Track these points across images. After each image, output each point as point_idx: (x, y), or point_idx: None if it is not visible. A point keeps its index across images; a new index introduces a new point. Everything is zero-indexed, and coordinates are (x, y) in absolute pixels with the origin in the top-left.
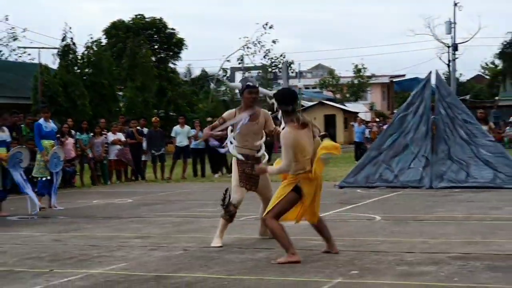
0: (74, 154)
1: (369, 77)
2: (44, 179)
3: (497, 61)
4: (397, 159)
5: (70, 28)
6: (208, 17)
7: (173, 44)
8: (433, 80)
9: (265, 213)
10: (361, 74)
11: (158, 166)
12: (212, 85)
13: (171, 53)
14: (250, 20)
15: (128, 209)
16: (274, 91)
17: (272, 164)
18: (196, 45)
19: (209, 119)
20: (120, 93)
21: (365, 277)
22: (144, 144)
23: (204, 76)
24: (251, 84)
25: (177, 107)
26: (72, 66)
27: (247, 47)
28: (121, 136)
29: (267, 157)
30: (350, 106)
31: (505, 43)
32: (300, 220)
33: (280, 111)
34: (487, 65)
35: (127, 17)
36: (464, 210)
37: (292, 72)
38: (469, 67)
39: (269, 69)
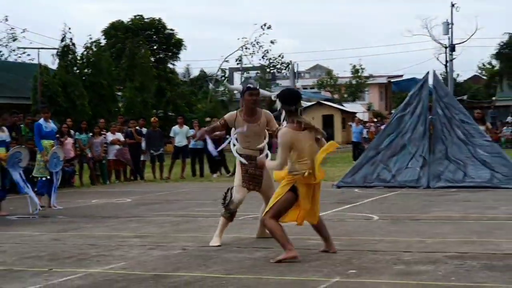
0: (73, 154)
1: (367, 77)
2: (44, 178)
3: (494, 62)
4: (394, 159)
5: (70, 28)
6: (206, 17)
7: (172, 45)
8: (430, 81)
9: (263, 213)
10: (359, 74)
11: (157, 166)
12: (210, 86)
13: (170, 53)
14: (249, 21)
15: (127, 209)
16: (275, 92)
17: None
18: (194, 45)
19: (207, 119)
20: (119, 93)
21: (362, 276)
22: (143, 144)
23: (203, 77)
24: (251, 86)
25: (176, 107)
26: (71, 67)
27: (246, 48)
28: (120, 136)
29: (270, 157)
30: (348, 106)
31: (501, 43)
32: (302, 223)
33: (283, 111)
34: (484, 65)
35: (126, 17)
36: (461, 210)
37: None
38: (466, 67)
39: (268, 70)
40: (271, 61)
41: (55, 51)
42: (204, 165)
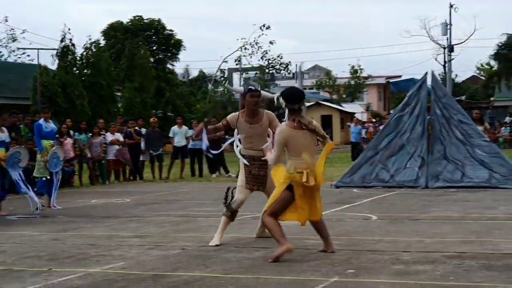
0: (72, 154)
1: (366, 78)
2: (44, 178)
3: (493, 62)
4: (393, 159)
5: (69, 29)
6: (206, 18)
7: (171, 45)
8: (429, 81)
9: (262, 212)
10: (357, 75)
11: (156, 166)
12: (209, 86)
13: (169, 54)
14: (248, 22)
15: (126, 209)
16: (275, 94)
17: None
18: (194, 46)
19: (206, 119)
20: (119, 93)
21: (361, 276)
22: (142, 144)
23: (202, 77)
24: (253, 88)
25: (175, 108)
26: (71, 67)
27: (245, 48)
28: (119, 136)
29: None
30: (347, 107)
31: (500, 44)
32: (305, 223)
33: (286, 109)
34: (482, 66)
35: (126, 18)
36: (460, 210)
37: (289, 73)
38: (464, 68)
39: (266, 70)
40: (270, 61)
41: (54, 52)
42: (203, 165)
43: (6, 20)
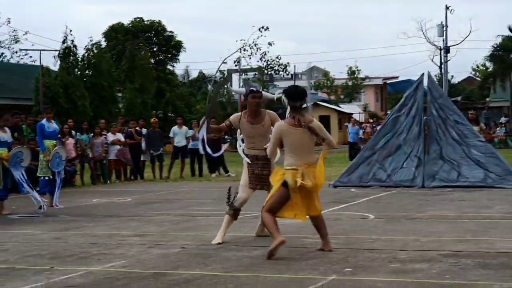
0: (74, 154)
1: (363, 79)
2: (46, 178)
3: (488, 64)
4: (390, 159)
5: (71, 31)
6: (205, 20)
7: (171, 47)
8: (425, 82)
9: (261, 209)
10: (355, 76)
11: (157, 166)
12: (209, 87)
13: (169, 55)
14: (247, 23)
15: (127, 208)
16: (276, 95)
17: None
18: (194, 47)
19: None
20: (120, 94)
21: (358, 274)
22: (143, 144)
23: (202, 78)
24: (254, 89)
25: (175, 108)
26: (72, 68)
27: (244, 50)
28: (120, 137)
29: (279, 154)
30: (344, 107)
31: (495, 46)
32: (305, 218)
33: (288, 107)
34: (478, 67)
35: (126, 20)
36: (456, 209)
37: (287, 74)
38: (460, 69)
39: (265, 71)
40: (268, 62)
41: (56, 53)
42: (203, 165)
43: (9, 22)
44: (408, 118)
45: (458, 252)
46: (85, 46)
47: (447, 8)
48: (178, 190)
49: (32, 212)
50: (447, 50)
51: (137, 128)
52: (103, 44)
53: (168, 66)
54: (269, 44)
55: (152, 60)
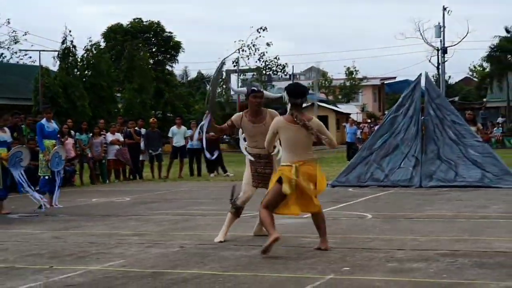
0: (73, 154)
1: (361, 79)
2: (46, 177)
3: (485, 64)
4: (387, 159)
5: (70, 31)
6: (204, 20)
7: (170, 47)
8: (423, 82)
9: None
10: (353, 76)
11: (156, 166)
12: (208, 87)
13: (168, 56)
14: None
15: (126, 207)
16: (277, 94)
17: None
18: (192, 48)
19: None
20: (119, 94)
21: (356, 273)
22: (142, 144)
23: (200, 78)
24: (256, 89)
25: (174, 108)
26: (72, 68)
27: (242, 50)
28: (119, 137)
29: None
30: (342, 108)
31: (492, 46)
32: (299, 213)
33: (289, 104)
34: (475, 67)
35: (125, 20)
36: (453, 209)
37: (285, 75)
38: (457, 69)
39: (264, 72)
40: (267, 63)
41: (56, 53)
42: (201, 164)
43: (8, 22)
44: (405, 118)
45: (456, 252)
46: (84, 47)
47: (444, 9)
48: (177, 190)
49: (31, 211)
50: (444, 50)
51: (136, 128)
52: (102, 44)
53: (167, 67)
54: (267, 44)
55: (151, 61)
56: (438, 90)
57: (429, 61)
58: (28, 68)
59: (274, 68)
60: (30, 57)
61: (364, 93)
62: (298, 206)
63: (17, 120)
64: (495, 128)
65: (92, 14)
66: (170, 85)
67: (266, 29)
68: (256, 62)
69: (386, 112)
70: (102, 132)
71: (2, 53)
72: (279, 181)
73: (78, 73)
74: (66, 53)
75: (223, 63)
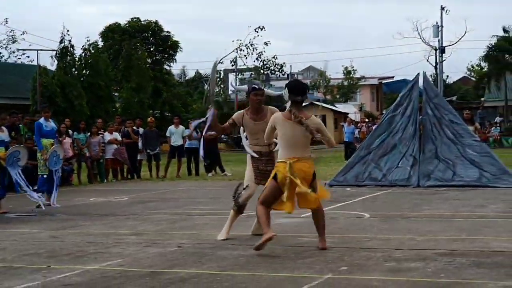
0: (71, 153)
1: (359, 79)
2: (44, 176)
3: (483, 64)
4: (385, 158)
5: (68, 31)
6: (202, 20)
7: (168, 47)
8: (420, 82)
9: None
10: (351, 76)
11: (153, 165)
12: (206, 86)
13: (166, 55)
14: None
15: (124, 207)
16: (279, 92)
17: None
18: (190, 47)
19: (202, 119)
20: (116, 94)
21: (354, 273)
22: (140, 144)
23: (198, 78)
24: (256, 86)
25: (172, 108)
26: (69, 68)
27: (240, 50)
28: (117, 136)
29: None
30: (340, 107)
31: (490, 46)
32: (292, 211)
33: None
34: (473, 67)
35: (123, 20)
36: (451, 208)
37: (283, 74)
38: (455, 69)
39: (261, 71)
40: (265, 62)
41: (54, 53)
42: (199, 164)
43: (6, 22)
44: (403, 118)
45: (453, 251)
46: (82, 46)
47: (442, 8)
48: (175, 189)
49: (29, 211)
50: (442, 50)
51: (134, 127)
52: (100, 44)
53: (165, 66)
54: (265, 43)
55: (149, 60)
56: (436, 89)
57: (427, 60)
58: (26, 67)
59: (272, 68)
60: (28, 57)
61: (362, 92)
62: (292, 203)
63: (15, 119)
64: (493, 128)
65: (90, 13)
66: (168, 84)
67: (264, 28)
68: (254, 61)
69: (384, 112)
70: (100, 132)
71: (0, 53)
72: (275, 177)
73: (76, 72)
74: (64, 53)
75: (216, 64)
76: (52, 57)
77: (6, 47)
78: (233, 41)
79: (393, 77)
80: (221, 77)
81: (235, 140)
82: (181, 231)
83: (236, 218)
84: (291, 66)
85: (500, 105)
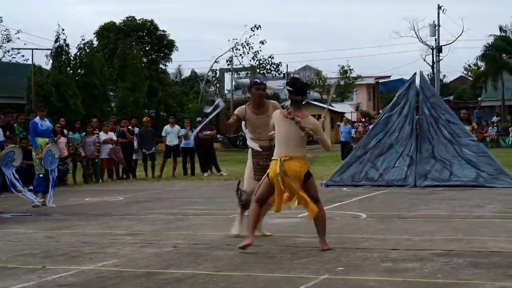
0: (66, 153)
1: (355, 78)
2: (40, 175)
3: (480, 63)
4: (382, 158)
5: (63, 30)
6: (198, 19)
7: (163, 46)
8: (417, 81)
9: None
10: (347, 75)
11: (149, 165)
12: (201, 86)
13: (161, 54)
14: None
15: (119, 207)
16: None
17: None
18: (186, 46)
19: (198, 119)
20: (112, 93)
21: (350, 273)
22: (135, 143)
23: (194, 77)
24: (258, 81)
25: (167, 107)
26: (64, 67)
27: (236, 49)
28: (112, 136)
29: None
30: (337, 107)
31: (487, 45)
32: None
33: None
34: (470, 66)
35: (118, 19)
36: (448, 208)
37: (279, 74)
38: (452, 68)
39: (258, 71)
40: (261, 62)
41: (48, 52)
42: (195, 164)
43: (1, 21)
44: (400, 117)
45: (450, 252)
46: (77, 45)
47: (439, 7)
48: (170, 189)
49: (24, 211)
50: (439, 49)
51: (129, 127)
52: (95, 43)
53: (161, 65)
54: (261, 42)
55: (144, 59)
56: (432, 89)
57: (424, 60)
58: (21, 66)
59: (268, 67)
60: (23, 56)
61: (358, 92)
62: (279, 202)
63: (9, 118)
64: (490, 128)
65: (85, 12)
66: (163, 83)
67: (260, 27)
68: (250, 61)
69: (380, 111)
70: (95, 131)
71: None
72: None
73: (71, 71)
74: (59, 52)
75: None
76: (47, 56)
77: (0, 46)
78: (229, 40)
79: (389, 76)
80: (217, 76)
81: (231, 140)
82: (177, 231)
83: (244, 213)
84: (287, 65)
85: (497, 104)
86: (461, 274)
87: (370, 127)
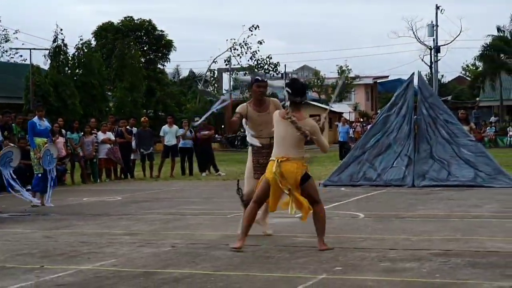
0: (64, 153)
1: (353, 78)
2: (39, 175)
3: (478, 63)
4: (380, 158)
5: (61, 30)
6: (196, 19)
7: (161, 46)
8: (415, 81)
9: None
10: (345, 75)
11: (147, 165)
12: (199, 86)
13: (160, 54)
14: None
15: (117, 207)
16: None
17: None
18: (184, 46)
19: (196, 119)
20: (110, 93)
21: (348, 273)
22: (133, 143)
23: (192, 77)
24: (259, 78)
25: (165, 107)
26: (63, 67)
27: (234, 49)
28: (110, 135)
29: None
30: (335, 107)
31: (485, 45)
32: (273, 210)
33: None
34: (468, 67)
35: (116, 19)
36: (446, 208)
37: (277, 74)
38: (450, 68)
39: (256, 71)
40: (259, 62)
41: (47, 52)
42: (193, 163)
43: None
44: (398, 117)
45: (448, 251)
46: (76, 45)
47: (437, 7)
48: (169, 189)
49: (22, 210)
50: (437, 49)
51: (127, 127)
52: (93, 43)
53: (159, 65)
54: (259, 42)
55: (142, 59)
56: (431, 89)
57: (422, 60)
58: (19, 66)
59: (266, 67)
60: (21, 56)
61: (356, 92)
62: (274, 202)
63: (7, 118)
64: (488, 128)
65: (83, 12)
66: (161, 83)
67: (258, 27)
68: (248, 61)
69: (378, 111)
70: (93, 131)
71: None
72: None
73: (69, 71)
74: (57, 52)
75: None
76: (45, 56)
77: None
78: (227, 40)
79: (388, 76)
80: (215, 76)
81: (229, 139)
82: (175, 231)
83: None
84: (285, 65)
85: (495, 104)
86: (459, 274)
87: (368, 127)
